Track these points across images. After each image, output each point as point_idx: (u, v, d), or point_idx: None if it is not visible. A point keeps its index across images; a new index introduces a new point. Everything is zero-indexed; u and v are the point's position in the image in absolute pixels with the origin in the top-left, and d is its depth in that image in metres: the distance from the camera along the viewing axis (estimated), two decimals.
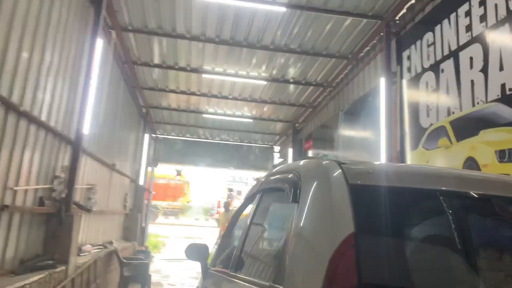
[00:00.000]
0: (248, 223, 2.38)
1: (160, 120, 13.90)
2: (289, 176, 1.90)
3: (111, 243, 8.37)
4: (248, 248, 2.28)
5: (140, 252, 10.95)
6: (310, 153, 10.98)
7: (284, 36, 7.34)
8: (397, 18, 6.24)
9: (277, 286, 1.52)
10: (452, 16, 4.71)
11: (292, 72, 8.95)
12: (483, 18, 4.18)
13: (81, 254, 6.16)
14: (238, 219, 3.13)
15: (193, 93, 10.66)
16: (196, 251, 3.10)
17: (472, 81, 4.28)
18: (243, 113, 12.48)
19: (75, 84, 5.66)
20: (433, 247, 1.41)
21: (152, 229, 18.33)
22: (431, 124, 5.05)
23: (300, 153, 12.04)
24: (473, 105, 4.24)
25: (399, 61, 6.02)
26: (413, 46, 5.62)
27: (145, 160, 13.11)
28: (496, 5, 3.98)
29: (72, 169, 5.52)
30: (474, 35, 4.31)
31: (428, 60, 5.22)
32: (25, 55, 4.17)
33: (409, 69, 5.72)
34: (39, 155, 4.71)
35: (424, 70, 5.29)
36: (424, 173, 1.70)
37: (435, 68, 5.03)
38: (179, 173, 19.40)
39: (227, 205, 13.52)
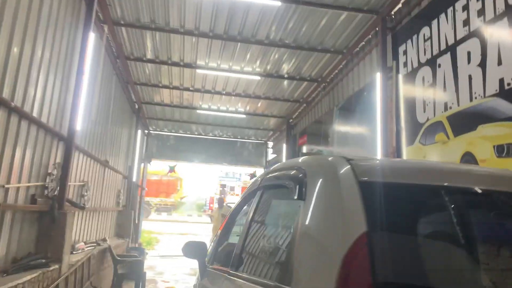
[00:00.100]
0: (249, 220, 2.32)
1: (153, 116, 13.78)
2: (293, 173, 1.85)
3: (104, 240, 8.29)
4: (249, 247, 2.22)
5: (134, 249, 10.87)
6: (304, 148, 10.95)
7: (279, 31, 7.28)
8: (392, 12, 6.20)
9: (284, 286, 1.47)
10: (450, 10, 4.69)
11: (286, 67, 8.89)
12: (481, 12, 4.15)
13: (74, 252, 6.08)
14: (236, 216, 3.07)
15: (186, 89, 10.56)
16: (193, 249, 3.05)
17: (469, 76, 4.26)
18: (236, 109, 12.41)
19: (67, 80, 5.55)
20: (448, 245, 1.37)
21: (145, 225, 18.25)
22: (428, 119, 5.03)
23: (294, 149, 12.01)
24: (471, 100, 4.22)
25: (395, 56, 5.99)
26: (409, 41, 5.59)
27: (138, 157, 13.00)
28: None
29: (65, 166, 5.43)
30: (471, 30, 4.28)
31: (424, 55, 5.19)
32: (15, 49, 4.06)
33: (405, 64, 5.69)
34: (31, 151, 4.61)
35: (421, 65, 5.26)
36: (437, 169, 1.66)
37: (432, 62, 5.00)
38: (172, 169, 19.24)
39: (221, 201, 13.48)
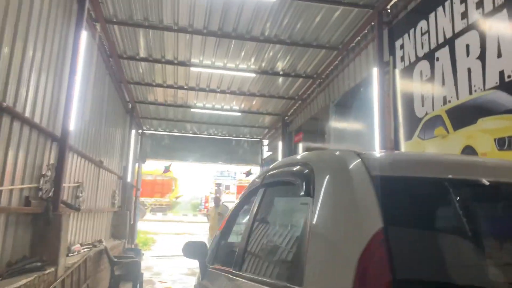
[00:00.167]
0: (251, 219, 2.26)
1: (146, 115, 13.66)
2: (299, 169, 1.78)
3: (100, 241, 8.18)
4: (253, 246, 2.16)
5: (130, 250, 10.78)
6: (301, 146, 10.91)
7: (273, 27, 7.21)
8: (388, 7, 6.16)
9: (294, 286, 1.41)
10: (447, 3, 4.65)
11: (281, 64, 8.83)
12: (479, 4, 4.11)
13: (70, 254, 5.98)
14: (236, 215, 3.01)
15: (180, 87, 10.45)
16: (193, 249, 3.01)
17: (468, 69, 4.22)
18: (231, 107, 12.33)
19: (59, 79, 5.45)
20: (466, 239, 1.32)
21: (141, 226, 18.14)
22: (426, 114, 4.99)
23: (289, 146, 11.96)
24: (470, 93, 4.18)
25: (392, 51, 5.94)
26: (406, 35, 5.55)
27: (132, 157, 12.88)
28: None
29: (59, 167, 5.32)
30: (470, 22, 4.24)
31: (422, 49, 5.15)
32: (6, 48, 3.96)
33: (402, 59, 5.65)
34: (24, 153, 4.50)
35: (418, 59, 5.22)
36: (451, 162, 1.61)
37: (430, 56, 4.96)
38: (167, 169, 19.10)
39: (217, 200, 13.50)
